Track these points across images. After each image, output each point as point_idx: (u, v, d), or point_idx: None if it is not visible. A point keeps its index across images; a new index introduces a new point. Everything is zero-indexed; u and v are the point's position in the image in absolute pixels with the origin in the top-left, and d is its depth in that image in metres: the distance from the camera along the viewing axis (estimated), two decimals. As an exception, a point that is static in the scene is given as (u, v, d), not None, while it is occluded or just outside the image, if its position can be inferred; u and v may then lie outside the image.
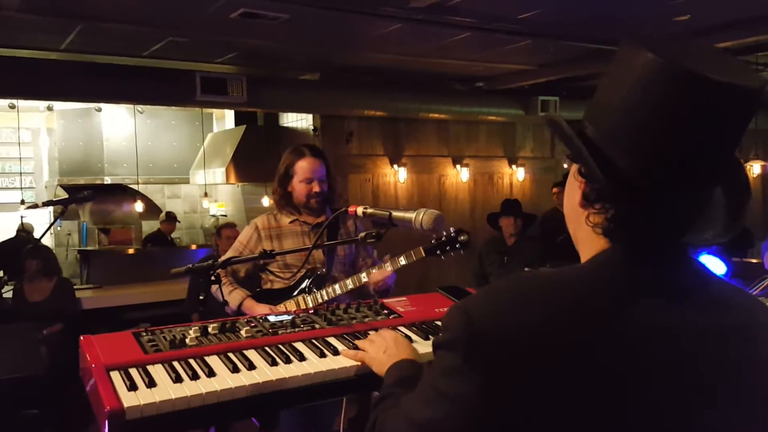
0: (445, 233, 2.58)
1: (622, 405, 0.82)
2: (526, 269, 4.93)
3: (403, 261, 2.63)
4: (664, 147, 0.85)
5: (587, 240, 0.94)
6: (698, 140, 0.85)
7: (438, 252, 2.57)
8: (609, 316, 0.85)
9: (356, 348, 1.64)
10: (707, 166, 0.86)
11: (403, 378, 1.32)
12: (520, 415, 0.82)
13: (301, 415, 2.66)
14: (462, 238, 2.56)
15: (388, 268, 2.64)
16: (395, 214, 1.74)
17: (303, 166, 2.89)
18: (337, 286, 2.72)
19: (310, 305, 2.75)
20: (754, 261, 5.33)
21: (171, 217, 8.01)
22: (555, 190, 6.73)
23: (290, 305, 2.77)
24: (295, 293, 2.82)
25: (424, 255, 2.59)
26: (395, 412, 1.02)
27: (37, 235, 7.31)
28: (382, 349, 1.49)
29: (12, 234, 7.43)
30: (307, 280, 2.82)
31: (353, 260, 2.99)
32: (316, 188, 2.87)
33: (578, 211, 0.95)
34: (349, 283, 2.70)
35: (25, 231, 7.35)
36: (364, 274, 2.68)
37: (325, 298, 2.73)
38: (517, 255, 5.39)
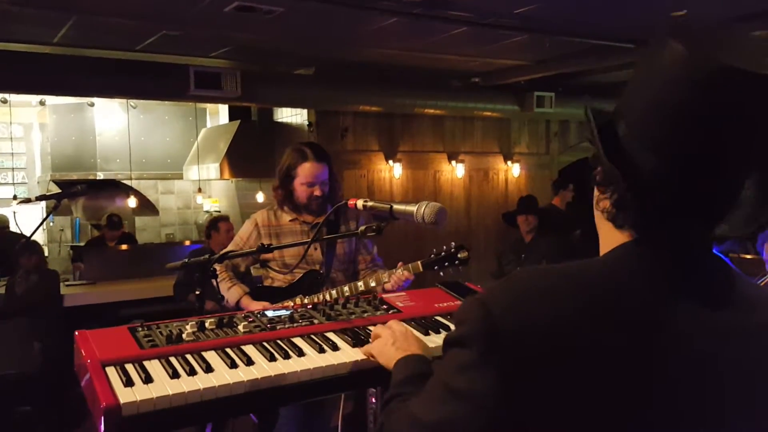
0: (444, 247, 2.56)
1: (645, 403, 0.80)
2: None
3: (401, 272, 2.60)
4: (691, 141, 0.82)
5: (605, 231, 0.93)
6: (726, 135, 0.82)
7: (436, 267, 2.54)
8: (633, 312, 0.82)
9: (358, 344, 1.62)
10: (735, 161, 0.84)
11: (412, 376, 1.27)
12: (539, 413, 0.79)
13: (301, 410, 2.64)
14: (461, 255, 2.53)
15: (405, 273, 2.61)
16: (396, 207, 1.71)
17: (306, 169, 2.86)
18: (334, 292, 2.71)
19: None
20: (748, 257, 5.33)
21: (114, 222, 6.92)
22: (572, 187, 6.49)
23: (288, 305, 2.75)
24: (294, 295, 2.80)
25: (422, 269, 2.57)
26: (402, 415, 0.98)
27: (21, 229, 7.23)
28: (390, 342, 1.45)
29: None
30: (306, 280, 2.81)
31: (353, 257, 2.97)
32: (317, 192, 2.86)
33: (598, 198, 0.93)
34: (346, 290, 2.68)
35: (3, 226, 7.21)
36: (361, 283, 2.66)
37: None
38: (533, 252, 5.38)
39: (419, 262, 2.57)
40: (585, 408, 0.79)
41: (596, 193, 0.93)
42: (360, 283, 2.67)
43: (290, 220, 2.92)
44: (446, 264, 2.53)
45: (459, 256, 2.53)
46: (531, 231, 5.47)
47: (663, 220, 0.85)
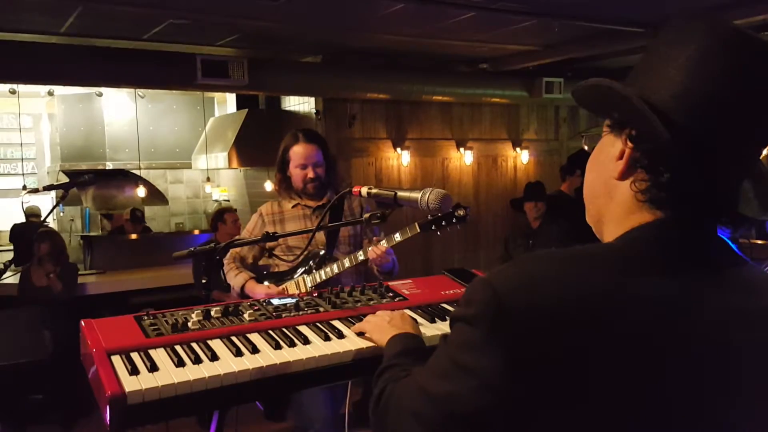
0: None
1: (654, 388, 0.79)
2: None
3: (398, 237, 2.55)
4: (731, 121, 0.82)
5: (619, 216, 0.90)
6: (754, 107, 0.83)
7: (434, 227, 2.43)
8: (645, 293, 0.81)
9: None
10: (761, 142, 0.86)
11: (408, 349, 1.28)
12: (545, 394, 0.78)
13: (314, 396, 2.66)
14: (459, 212, 2.41)
15: (384, 245, 2.58)
16: (400, 193, 1.70)
17: (297, 152, 2.89)
18: (335, 266, 2.71)
19: (309, 285, 2.76)
20: (760, 242, 5.29)
21: (137, 217, 7.29)
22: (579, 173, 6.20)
23: (290, 286, 2.79)
24: (296, 275, 2.84)
25: (419, 230, 2.48)
26: (407, 383, 0.98)
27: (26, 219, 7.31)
28: (386, 320, 1.48)
29: (15, 219, 7.43)
30: (309, 262, 2.83)
31: (359, 242, 2.97)
32: (310, 174, 2.87)
33: (611, 184, 0.91)
34: (346, 262, 2.67)
35: (33, 215, 7.32)
36: (360, 253, 2.65)
37: (323, 277, 2.72)
38: (541, 238, 5.35)
39: (416, 223, 2.47)
40: (592, 390, 0.79)
41: (608, 176, 0.91)
42: (359, 253, 2.65)
43: (292, 207, 2.95)
44: (443, 223, 2.42)
45: (456, 213, 2.41)
46: (539, 217, 5.44)
47: (693, 201, 0.85)
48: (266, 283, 2.85)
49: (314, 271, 2.78)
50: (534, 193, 5.52)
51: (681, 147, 0.82)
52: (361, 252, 2.64)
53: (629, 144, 0.87)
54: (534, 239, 5.39)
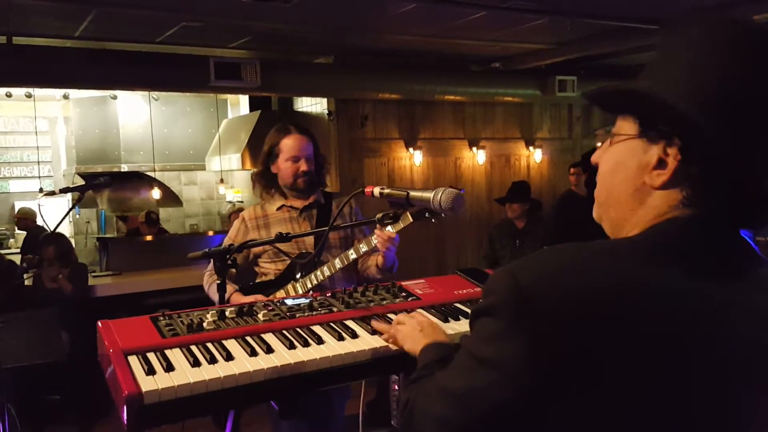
0: None
1: (674, 379, 0.80)
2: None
3: (390, 230, 2.39)
4: (746, 115, 0.82)
5: (650, 219, 0.89)
6: None
7: (427, 215, 2.21)
8: (667, 288, 0.81)
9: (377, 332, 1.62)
10: None
11: (441, 359, 1.26)
12: (567, 383, 0.78)
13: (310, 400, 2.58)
14: None
15: (390, 230, 2.39)
16: (413, 193, 1.70)
17: (289, 144, 2.76)
18: (325, 268, 2.58)
19: (300, 293, 2.61)
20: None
21: (152, 220, 7.18)
22: (573, 171, 6.40)
23: (280, 295, 2.64)
24: (286, 282, 2.69)
25: (411, 220, 2.28)
26: (430, 387, 0.97)
27: (46, 221, 7.33)
28: (417, 328, 1.46)
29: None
30: (296, 267, 2.69)
31: (349, 244, 2.76)
32: (303, 167, 2.75)
33: (644, 191, 0.89)
34: (337, 263, 2.54)
35: (27, 218, 7.16)
36: (351, 251, 2.50)
37: (315, 282, 2.59)
38: (529, 237, 5.32)
39: (407, 213, 2.27)
40: (611, 381, 0.79)
41: (637, 183, 0.89)
42: (351, 251, 2.50)
43: (277, 209, 2.81)
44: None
45: None
46: (520, 217, 5.39)
47: (721, 202, 0.84)
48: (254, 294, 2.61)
49: (304, 277, 2.63)
50: (517, 193, 5.45)
51: (720, 151, 0.82)
52: (352, 251, 2.50)
53: (678, 156, 0.85)
54: (521, 239, 5.35)
